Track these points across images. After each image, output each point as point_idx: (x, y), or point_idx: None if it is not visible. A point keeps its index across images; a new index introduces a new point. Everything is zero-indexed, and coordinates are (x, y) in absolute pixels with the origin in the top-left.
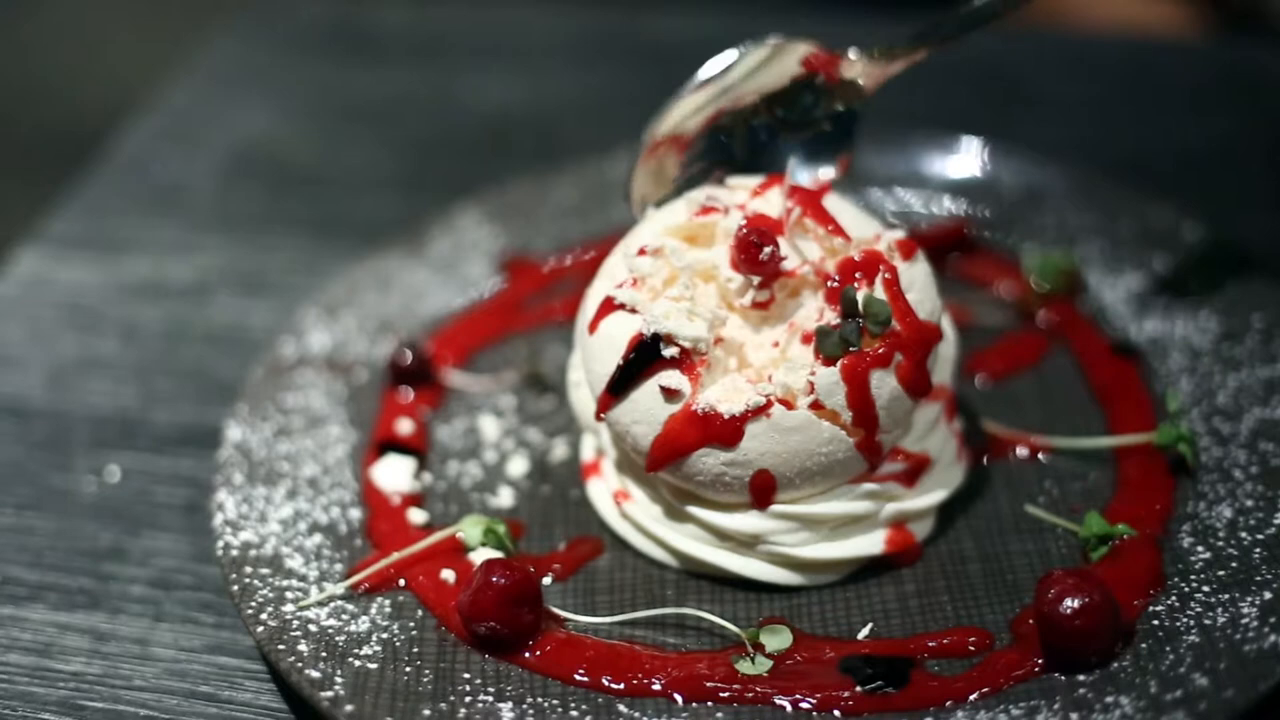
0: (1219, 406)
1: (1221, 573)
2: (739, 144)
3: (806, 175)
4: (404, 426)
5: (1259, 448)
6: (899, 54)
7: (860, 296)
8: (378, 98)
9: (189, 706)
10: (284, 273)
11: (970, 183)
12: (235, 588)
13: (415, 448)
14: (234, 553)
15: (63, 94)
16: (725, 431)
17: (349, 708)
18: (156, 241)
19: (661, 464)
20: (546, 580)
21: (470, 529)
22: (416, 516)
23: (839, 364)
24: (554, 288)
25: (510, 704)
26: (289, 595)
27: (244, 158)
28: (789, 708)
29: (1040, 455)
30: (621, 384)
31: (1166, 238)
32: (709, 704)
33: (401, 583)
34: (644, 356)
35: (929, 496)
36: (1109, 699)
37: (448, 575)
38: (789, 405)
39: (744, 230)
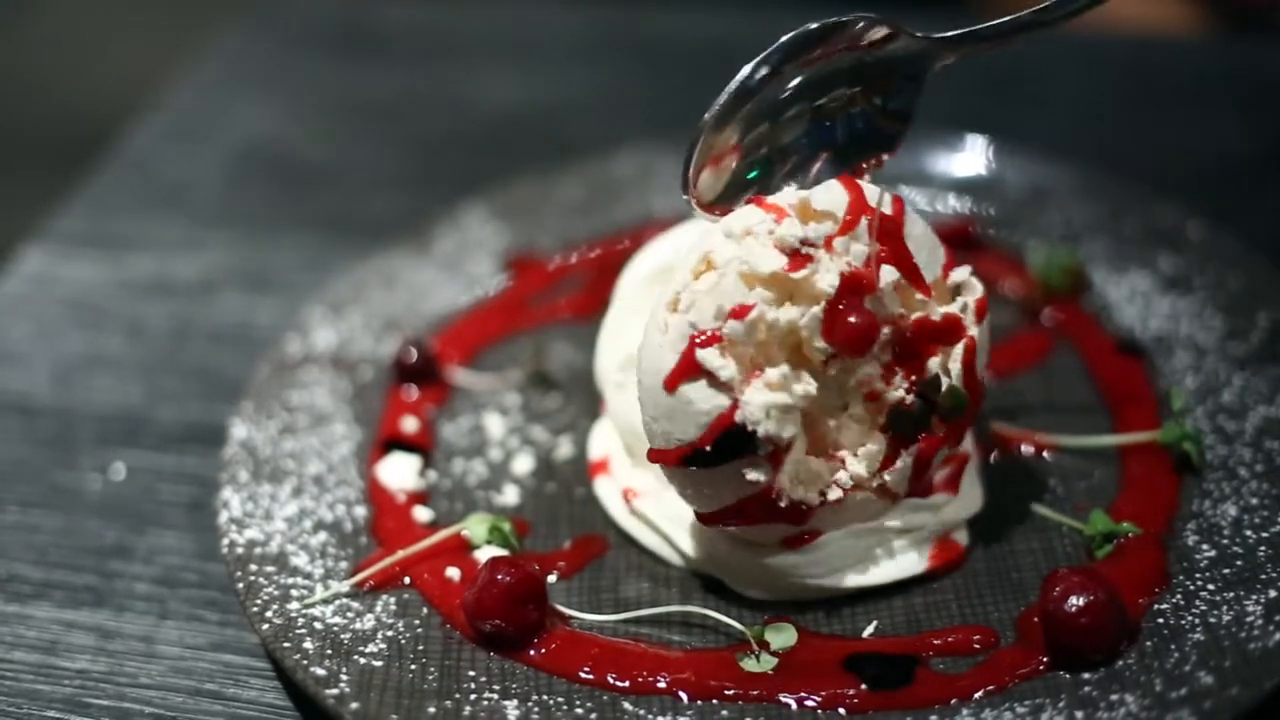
0: (1224, 404)
1: (1226, 571)
2: (841, 130)
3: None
4: (409, 424)
5: (1264, 446)
6: (969, 42)
7: (943, 385)
8: (383, 96)
9: (194, 704)
10: (289, 271)
11: (975, 181)
12: (240, 585)
13: (420, 445)
14: (239, 550)
15: (69, 92)
16: (794, 514)
17: (354, 705)
18: (162, 239)
19: (719, 523)
20: (551, 578)
21: (475, 527)
22: (421, 514)
23: (910, 448)
24: (559, 286)
25: (515, 702)
26: (294, 593)
27: (250, 156)
28: (794, 706)
29: (1045, 453)
30: (702, 463)
31: (1171, 235)
32: (714, 702)
33: (407, 580)
34: (733, 447)
35: (969, 499)
36: (1114, 697)
37: (453, 573)
38: (857, 488)
39: (842, 306)
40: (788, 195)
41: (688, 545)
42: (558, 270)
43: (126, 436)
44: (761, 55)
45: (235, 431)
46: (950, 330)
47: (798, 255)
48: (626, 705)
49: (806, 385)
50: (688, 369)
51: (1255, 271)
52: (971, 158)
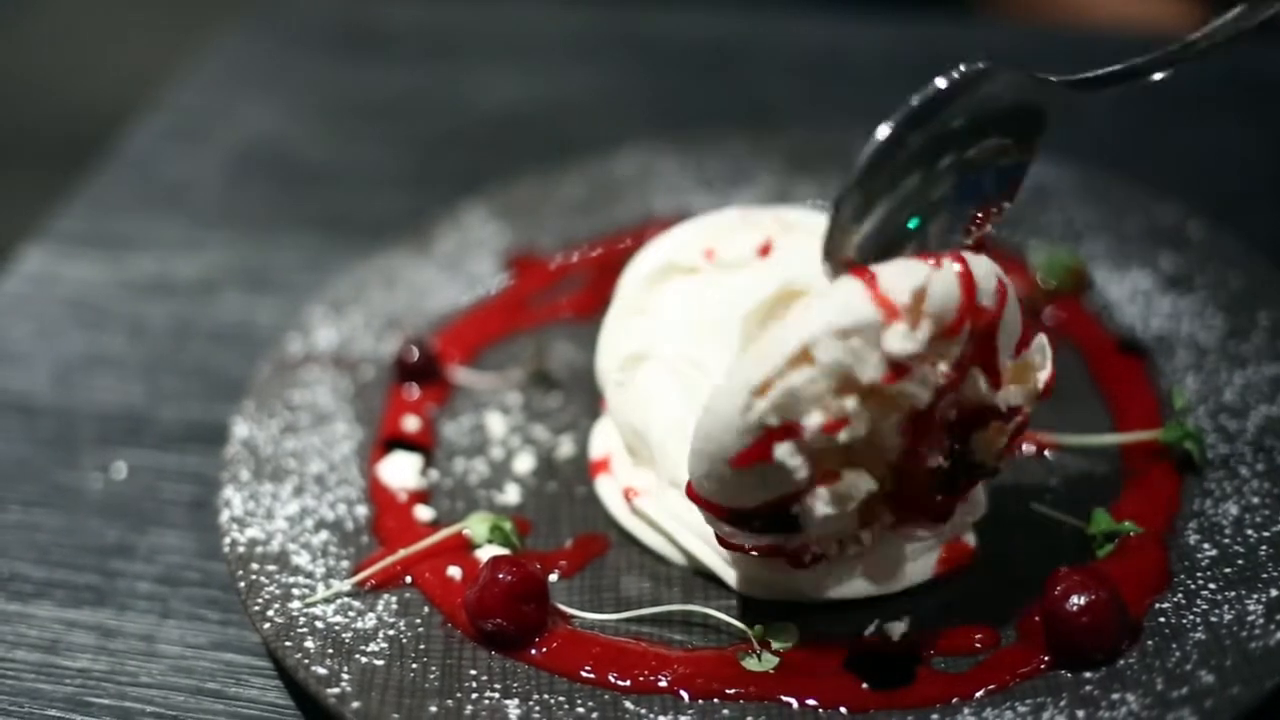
0: (1225, 404)
1: (1228, 570)
2: (989, 181)
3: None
4: (410, 423)
5: (1265, 445)
6: (1102, 85)
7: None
8: (384, 95)
9: (195, 703)
10: (290, 270)
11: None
12: (242, 584)
13: (422, 444)
14: (240, 549)
15: (70, 91)
16: (814, 560)
17: (355, 704)
18: (163, 239)
19: (740, 552)
20: (553, 577)
21: (477, 526)
22: (423, 513)
23: (938, 499)
24: (560, 285)
25: (517, 701)
26: (295, 592)
27: (250, 155)
28: (795, 704)
29: (1046, 452)
30: (744, 526)
31: (1172, 235)
32: (715, 701)
33: (408, 579)
34: (781, 526)
35: (977, 503)
36: (1115, 696)
37: (454, 572)
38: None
39: (924, 412)
40: (901, 290)
41: (689, 544)
42: (559, 269)
43: (128, 436)
44: (898, 117)
45: (237, 430)
46: (1009, 414)
47: (898, 367)
48: (628, 704)
49: (868, 484)
50: (760, 457)
51: (1256, 270)
52: None
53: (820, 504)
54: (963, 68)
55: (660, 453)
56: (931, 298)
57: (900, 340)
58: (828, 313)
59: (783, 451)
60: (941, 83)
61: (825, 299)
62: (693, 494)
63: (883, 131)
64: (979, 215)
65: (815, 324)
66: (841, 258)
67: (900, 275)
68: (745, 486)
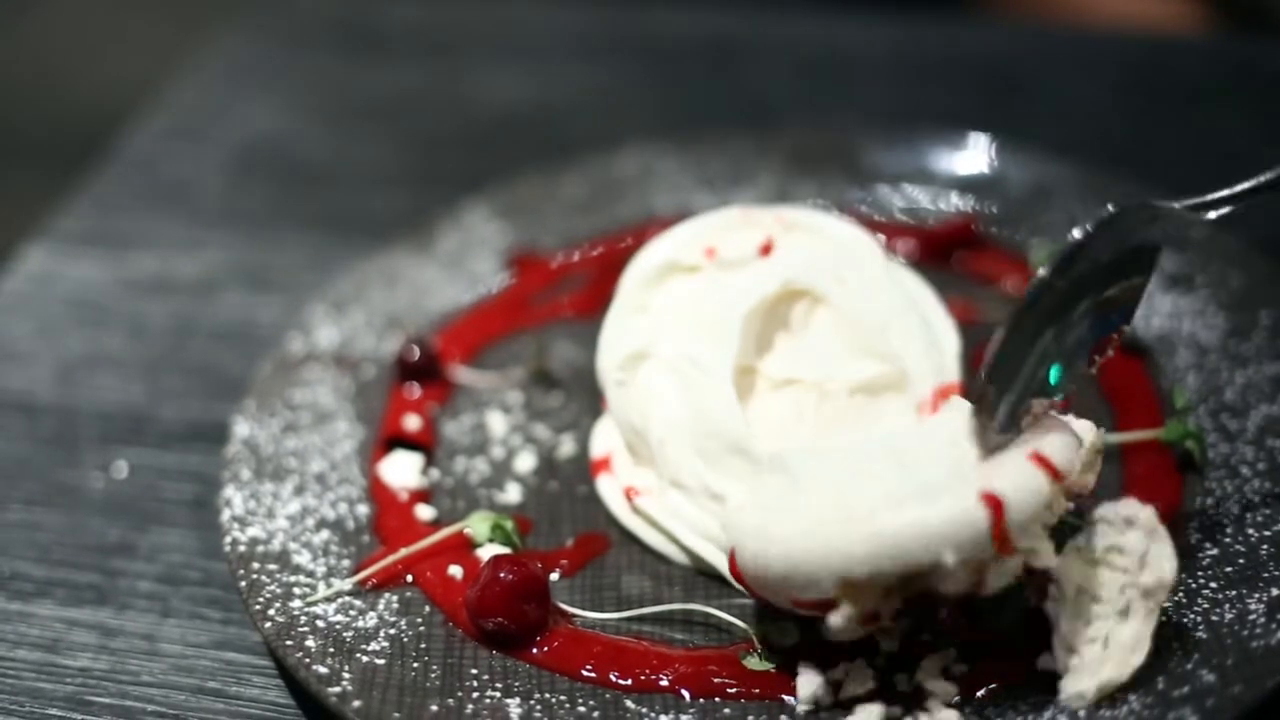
0: (1226, 403)
1: (1229, 569)
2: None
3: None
4: (411, 422)
5: (1266, 444)
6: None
7: None
8: (386, 94)
9: (196, 702)
10: (292, 269)
11: (978, 179)
12: (243, 583)
13: (423, 444)
14: (241, 548)
15: (70, 91)
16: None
17: (356, 703)
18: (164, 238)
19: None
20: (554, 576)
21: (478, 525)
22: (424, 512)
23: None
24: (562, 284)
25: (518, 700)
26: (296, 591)
27: (252, 154)
28: (796, 704)
29: None
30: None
31: (1173, 234)
32: (716, 700)
33: (409, 579)
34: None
35: None
36: (1116, 695)
37: (455, 571)
38: None
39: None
40: (1019, 527)
41: (691, 543)
42: (560, 268)
43: (129, 435)
44: (1043, 275)
45: (238, 429)
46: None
47: (980, 579)
48: (629, 703)
49: (894, 604)
50: (817, 609)
51: (1257, 269)
52: (974, 156)
53: (846, 625)
54: (1092, 222)
55: (660, 452)
56: (1087, 473)
57: (999, 578)
58: (947, 541)
59: (837, 617)
60: (1078, 234)
61: (949, 524)
62: (734, 574)
63: (1029, 295)
64: (1105, 344)
65: (936, 545)
66: (989, 429)
67: (1024, 508)
68: (784, 596)
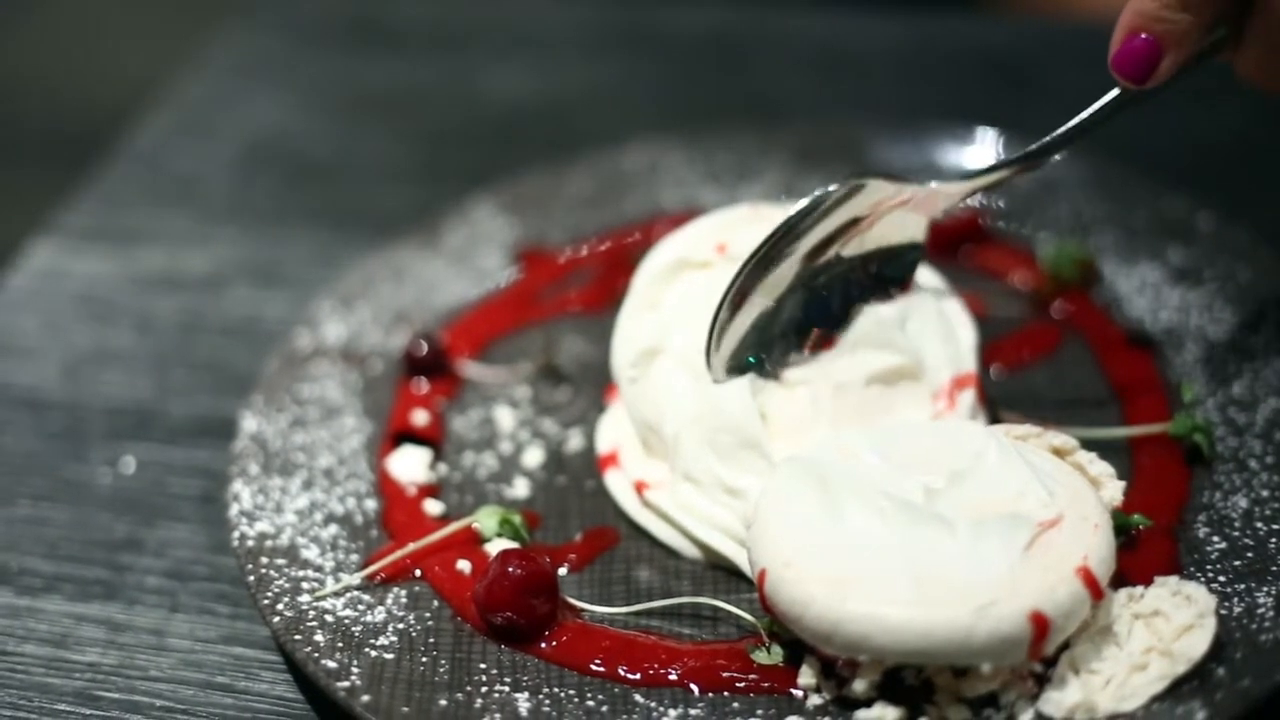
0: (1234, 397)
1: (1237, 563)
2: (837, 301)
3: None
4: (419, 417)
5: (1275, 438)
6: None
7: None
8: (392, 89)
9: (205, 697)
10: (299, 264)
11: (984, 173)
12: (251, 578)
13: (431, 438)
14: (250, 543)
15: (77, 86)
16: None
17: (365, 698)
18: (171, 233)
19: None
20: (562, 571)
21: (486, 520)
22: (432, 507)
23: None
24: (569, 279)
25: (526, 694)
26: (305, 586)
27: (258, 149)
28: (806, 698)
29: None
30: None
31: (1181, 228)
32: (725, 694)
33: (417, 573)
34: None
35: None
36: None
37: (464, 566)
38: None
39: None
40: (1052, 645)
41: (705, 536)
42: (567, 263)
43: (136, 430)
44: (769, 236)
45: (245, 425)
46: None
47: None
48: (638, 697)
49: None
50: (843, 666)
51: (1265, 264)
52: (981, 150)
53: (862, 687)
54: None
55: (674, 446)
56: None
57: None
58: (989, 654)
59: (861, 684)
60: (796, 210)
61: (994, 638)
62: (764, 600)
63: (753, 253)
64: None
65: (978, 654)
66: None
67: (1065, 629)
68: (807, 639)
